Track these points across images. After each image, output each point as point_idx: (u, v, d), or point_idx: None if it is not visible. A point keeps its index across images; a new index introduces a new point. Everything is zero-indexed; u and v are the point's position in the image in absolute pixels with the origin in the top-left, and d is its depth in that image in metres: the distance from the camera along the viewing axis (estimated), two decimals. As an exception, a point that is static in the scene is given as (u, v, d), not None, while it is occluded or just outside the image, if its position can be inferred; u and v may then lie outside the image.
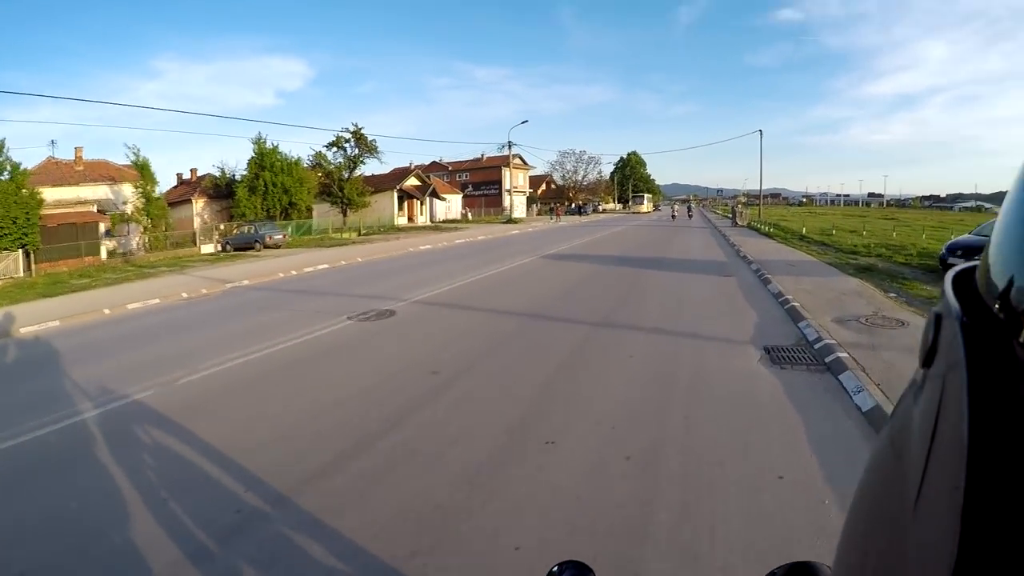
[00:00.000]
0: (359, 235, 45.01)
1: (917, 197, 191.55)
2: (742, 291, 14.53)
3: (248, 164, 45.17)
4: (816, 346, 9.04)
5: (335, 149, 51.09)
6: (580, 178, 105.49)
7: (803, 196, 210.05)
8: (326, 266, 23.09)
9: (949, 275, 0.52)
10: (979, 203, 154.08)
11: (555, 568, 1.30)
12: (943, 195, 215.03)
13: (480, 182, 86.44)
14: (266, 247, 32.97)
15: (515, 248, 28.39)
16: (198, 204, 46.54)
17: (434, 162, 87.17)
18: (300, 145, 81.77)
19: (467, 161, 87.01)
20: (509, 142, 62.53)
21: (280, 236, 34.72)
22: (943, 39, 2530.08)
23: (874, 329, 9.73)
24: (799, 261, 20.03)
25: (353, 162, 51.82)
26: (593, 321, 11.28)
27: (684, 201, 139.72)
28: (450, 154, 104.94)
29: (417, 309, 13.07)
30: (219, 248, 34.95)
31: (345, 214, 50.59)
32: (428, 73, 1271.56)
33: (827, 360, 8.26)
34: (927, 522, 0.42)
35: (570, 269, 19.50)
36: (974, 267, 0.50)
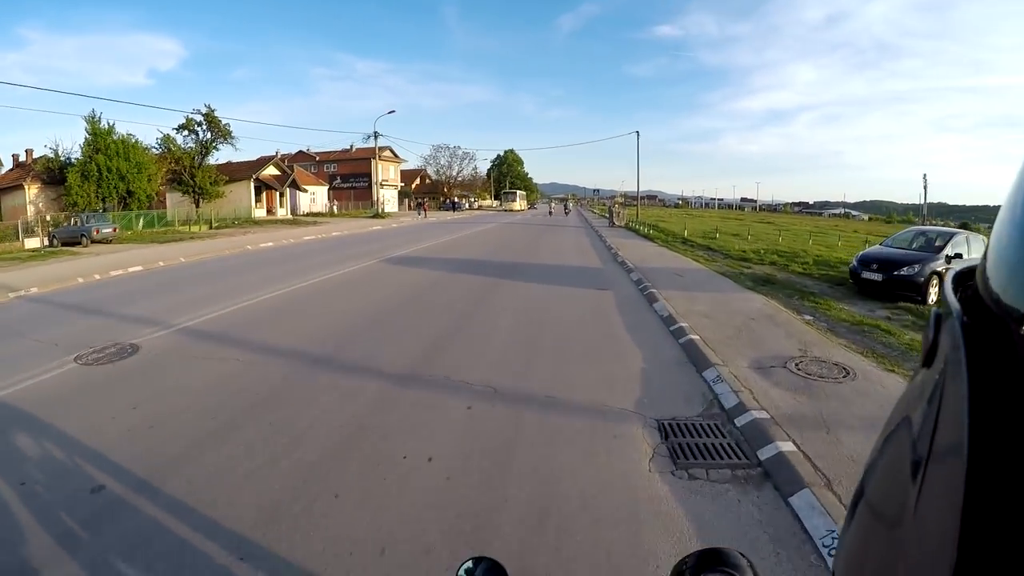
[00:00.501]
0: (210, 228, 39.96)
1: (788, 203, 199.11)
2: (621, 312, 11.28)
3: (83, 146, 39.54)
4: (738, 420, 5.80)
5: (186, 133, 45.83)
6: (455, 173, 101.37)
7: (679, 199, 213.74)
8: (139, 268, 18.67)
9: (949, 275, 0.52)
10: (846, 211, 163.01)
11: (468, 564, 1.26)
12: (811, 202, 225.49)
13: (349, 174, 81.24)
14: (94, 241, 28.60)
15: (365, 247, 24.44)
16: (31, 191, 40.57)
17: (300, 152, 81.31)
18: (157, 130, 73.51)
19: (336, 152, 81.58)
20: (375, 132, 57.81)
21: (109, 229, 30.12)
22: (812, 63, 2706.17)
23: (811, 384, 6.72)
24: (686, 269, 17.11)
25: (205, 147, 46.78)
26: (397, 369, 7.54)
27: (563, 200, 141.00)
28: (319, 143, 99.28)
29: (173, 343, 9.00)
30: (46, 242, 29.64)
31: (197, 205, 45.44)
32: (306, 62, 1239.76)
33: (762, 456, 5.03)
34: (927, 522, 0.43)
35: (410, 277, 15.69)
36: (973, 267, 0.50)
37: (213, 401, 6.39)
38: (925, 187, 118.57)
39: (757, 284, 14.39)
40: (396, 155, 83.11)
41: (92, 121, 39.31)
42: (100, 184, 38.68)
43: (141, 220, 38.72)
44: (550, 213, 74.08)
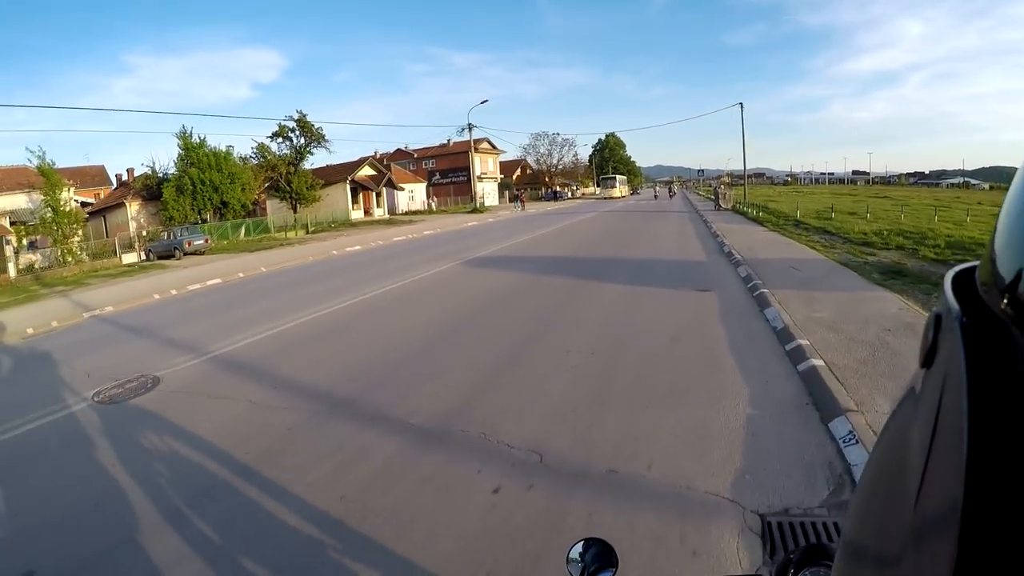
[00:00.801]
0: (307, 232, 40.40)
1: (902, 174, 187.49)
2: (725, 322, 9.36)
3: (176, 161, 40.54)
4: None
5: (279, 139, 46.49)
6: (555, 161, 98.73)
7: (787, 175, 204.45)
8: (218, 280, 18.76)
9: (949, 274, 0.52)
10: (965, 179, 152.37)
11: (579, 544, 1.39)
12: (927, 171, 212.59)
13: (447, 169, 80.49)
14: (187, 254, 29.49)
15: (451, 247, 23.40)
16: (132, 207, 41.65)
17: (399, 150, 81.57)
18: (251, 139, 75.66)
19: (433, 148, 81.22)
20: (469, 124, 56.43)
21: (201, 241, 31.00)
22: (919, 16, 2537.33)
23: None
24: (802, 260, 14.86)
25: (299, 153, 47.09)
26: (425, 420, 6.12)
27: (667, 183, 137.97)
28: (418, 140, 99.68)
29: (195, 376, 8.24)
30: (143, 257, 31.01)
31: (295, 210, 45.85)
32: (405, 59, 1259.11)
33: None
34: (927, 522, 0.43)
35: (484, 283, 14.25)
36: (974, 267, 0.50)
37: (192, 466, 5.24)
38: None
39: (886, 277, 12.19)
40: (494, 146, 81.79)
41: (184, 136, 39.88)
42: (195, 197, 39.15)
43: (242, 229, 39.10)
44: (655, 197, 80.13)
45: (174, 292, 16.58)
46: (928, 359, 0.49)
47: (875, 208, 35.23)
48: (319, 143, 47.35)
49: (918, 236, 19.46)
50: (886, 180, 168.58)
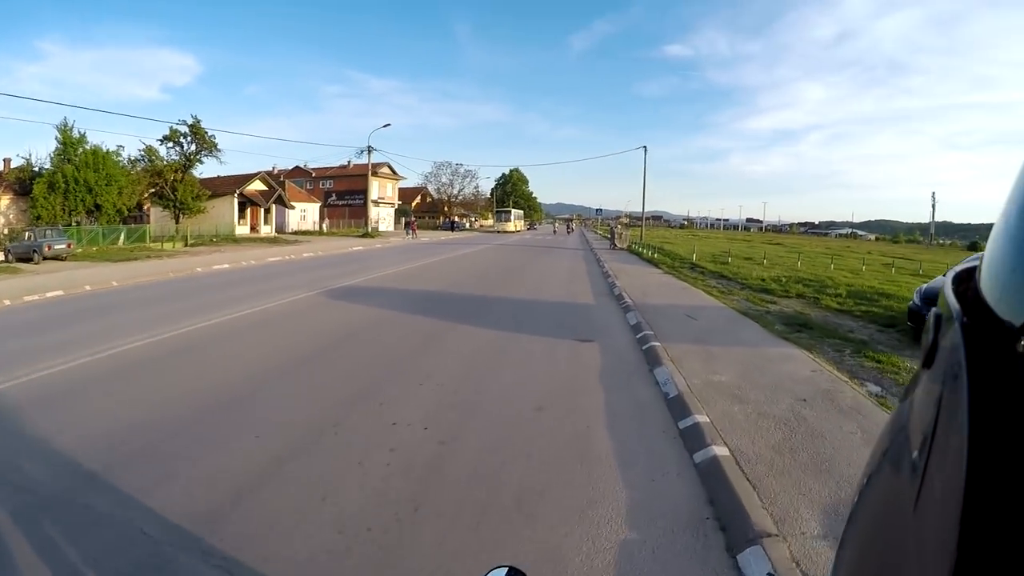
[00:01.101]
0: (185, 245, 37.09)
1: (794, 223, 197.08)
2: (606, 384, 7.66)
3: (52, 156, 36.74)
4: None
5: (170, 144, 42.81)
6: (455, 192, 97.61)
7: (684, 219, 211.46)
8: (60, 293, 15.66)
9: (949, 274, 0.53)
10: (853, 230, 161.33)
11: (490, 573, 1.30)
12: (817, 222, 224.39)
13: (345, 191, 78.18)
14: (46, 258, 26.44)
15: (324, 272, 21.09)
16: (3, 201, 37.50)
17: (297, 167, 78.97)
18: (140, 140, 70.56)
19: (333, 168, 78.41)
20: (369, 146, 53.93)
21: (63, 245, 27.62)
22: (821, 82, 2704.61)
23: None
24: (699, 307, 13.55)
25: (189, 160, 43.69)
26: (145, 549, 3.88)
27: (567, 220, 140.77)
28: (319, 159, 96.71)
29: None
30: (0, 257, 27.58)
31: (177, 220, 42.48)
32: (320, 79, 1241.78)
33: None
34: (927, 522, 0.43)
35: (337, 318, 12.12)
36: (974, 267, 0.50)
37: None
38: (934, 205, 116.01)
39: (791, 330, 10.93)
40: (395, 172, 79.97)
41: (64, 130, 36.41)
42: (67, 196, 35.60)
43: (121, 236, 35.90)
44: (554, 232, 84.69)
45: (7, 302, 13.73)
46: (928, 359, 0.49)
47: (770, 254, 35.14)
48: (211, 151, 44.09)
49: (817, 284, 18.78)
50: (778, 228, 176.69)
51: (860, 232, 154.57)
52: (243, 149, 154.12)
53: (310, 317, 12.01)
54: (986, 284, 0.44)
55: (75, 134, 36.79)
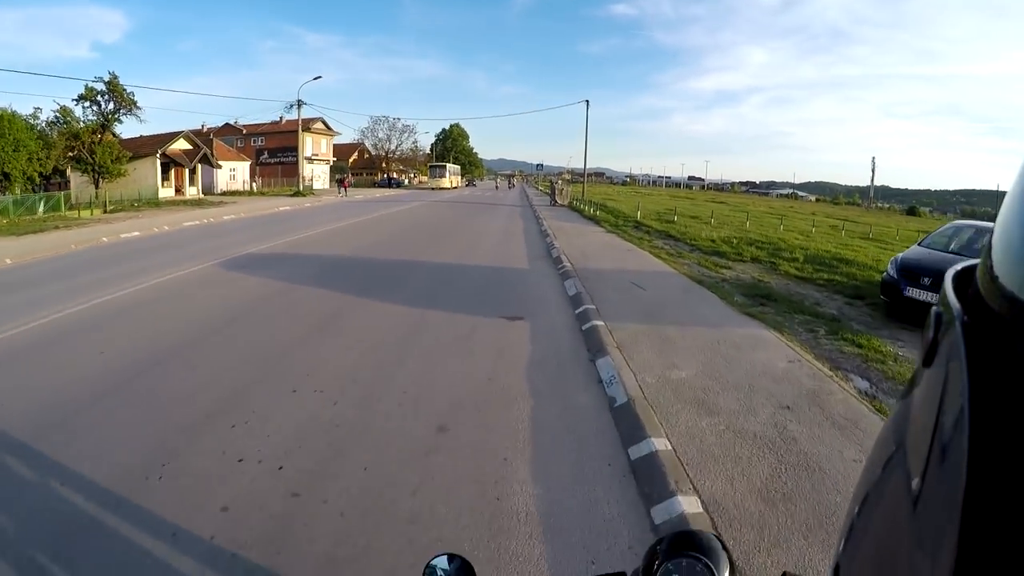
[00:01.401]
0: (104, 212, 33.67)
1: (735, 183, 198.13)
2: (534, 391, 5.91)
3: None
4: None
5: (86, 104, 38.97)
6: (393, 147, 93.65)
7: (627, 176, 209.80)
8: None
9: (949, 273, 0.52)
10: (793, 191, 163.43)
11: (433, 560, 1.24)
12: (758, 182, 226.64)
13: (277, 148, 74.09)
14: None
15: (238, 236, 18.78)
16: None
17: (227, 124, 73.76)
18: (53, 100, 64.30)
19: (264, 124, 74.02)
20: (299, 100, 50.58)
21: None
22: (765, 47, 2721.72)
23: None
24: (646, 273, 12.06)
25: (107, 120, 39.82)
26: None
27: (508, 176, 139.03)
28: (251, 115, 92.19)
29: None
30: None
31: (97, 185, 38.86)
32: (254, 34, 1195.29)
33: None
34: (927, 522, 0.43)
35: (238, 293, 10.22)
36: (974, 265, 0.49)
37: None
38: (873, 170, 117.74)
39: (753, 302, 9.54)
40: (329, 128, 76.16)
41: None
42: None
43: (40, 205, 32.75)
44: (496, 187, 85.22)
45: None
46: (928, 358, 0.49)
47: (717, 213, 34.07)
48: (130, 110, 40.49)
49: (770, 246, 17.44)
50: (720, 187, 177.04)
51: (801, 193, 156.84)
52: (172, 107, 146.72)
53: (192, 297, 9.88)
54: (998, 278, 0.42)
55: None
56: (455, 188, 77.57)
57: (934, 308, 0.50)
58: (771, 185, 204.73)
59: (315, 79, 54.03)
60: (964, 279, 0.49)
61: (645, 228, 22.34)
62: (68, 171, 41.29)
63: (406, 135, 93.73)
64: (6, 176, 34.04)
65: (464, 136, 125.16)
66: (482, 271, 12.37)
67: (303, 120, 57.93)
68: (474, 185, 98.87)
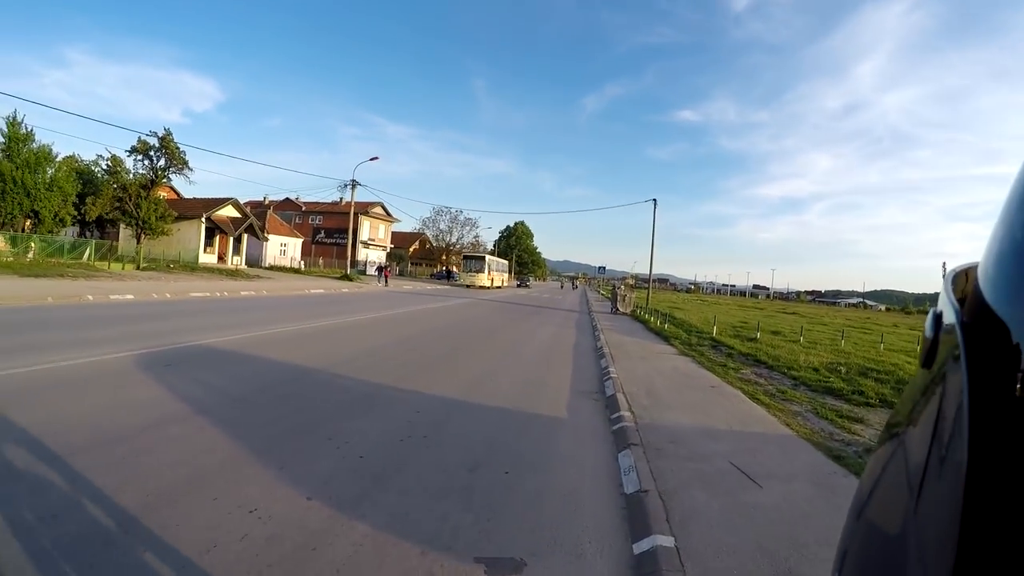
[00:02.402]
0: (137, 268, 32.27)
1: (801, 292, 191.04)
2: None
3: None
4: None
5: (138, 156, 38.43)
6: (453, 240, 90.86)
7: (690, 283, 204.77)
8: None
9: (949, 275, 0.53)
10: (862, 300, 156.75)
11: None
12: (823, 291, 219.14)
13: (334, 228, 73.81)
14: None
15: (235, 318, 15.36)
16: None
17: (287, 199, 74.19)
18: (105, 148, 63.59)
19: (324, 204, 72.98)
20: (353, 181, 48.04)
21: None
22: (828, 152, 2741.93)
23: None
24: (748, 436, 7.68)
25: (156, 175, 39.22)
26: None
27: (572, 278, 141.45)
28: (310, 191, 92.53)
29: None
30: None
31: (138, 240, 38.22)
32: (338, 119, 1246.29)
33: None
34: (927, 522, 0.43)
35: (110, 407, 6.10)
36: (973, 267, 0.49)
37: None
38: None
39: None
40: (389, 214, 75.25)
41: (11, 123, 31.65)
42: (3, 198, 30.98)
43: (64, 247, 31.36)
44: (561, 287, 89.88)
45: None
46: (928, 359, 0.49)
47: (795, 326, 29.11)
48: (181, 169, 39.49)
49: (890, 377, 12.61)
50: (785, 296, 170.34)
51: (869, 302, 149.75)
52: (242, 177, 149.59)
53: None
54: (985, 284, 0.43)
55: (23, 130, 32.02)
56: (498, 288, 66.28)
57: (933, 310, 0.50)
58: (837, 294, 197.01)
59: (371, 160, 51.85)
60: (964, 280, 0.49)
61: (724, 347, 17.76)
62: (121, 224, 40.47)
63: (468, 228, 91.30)
64: (35, 214, 32.74)
65: (528, 235, 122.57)
66: (489, 420, 7.87)
67: (361, 203, 56.38)
68: (528, 286, 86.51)
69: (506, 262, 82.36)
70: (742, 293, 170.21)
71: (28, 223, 33.17)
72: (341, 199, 68.49)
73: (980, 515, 0.34)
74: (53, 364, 8.38)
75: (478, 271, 61.11)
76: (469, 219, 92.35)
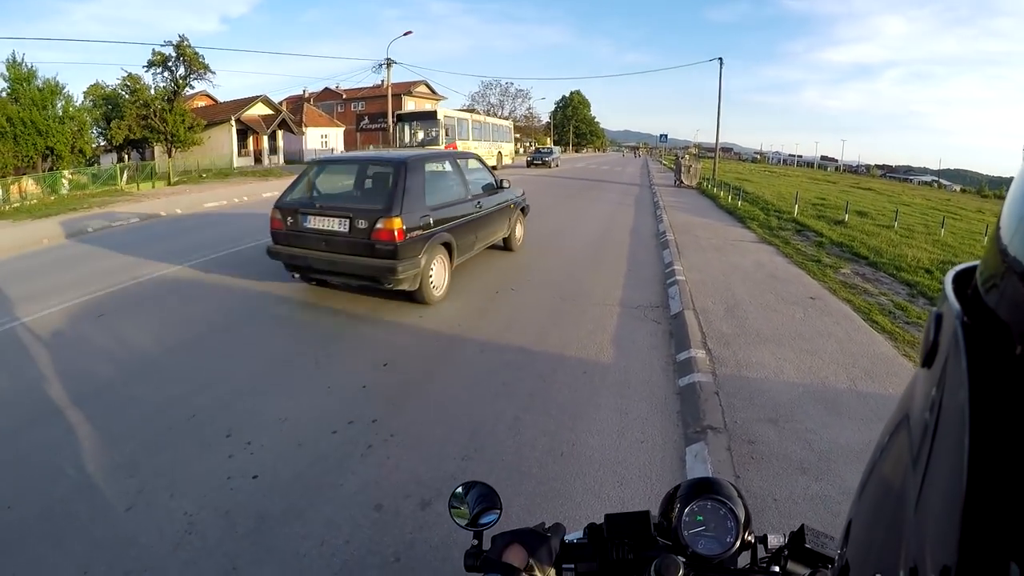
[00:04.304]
0: (168, 184, 30.72)
1: (871, 165, 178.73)
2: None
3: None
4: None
5: (156, 70, 36.04)
6: (506, 114, 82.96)
7: (756, 153, 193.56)
8: None
9: (949, 274, 0.50)
10: (936, 179, 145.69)
11: (459, 489, 1.27)
12: (893, 166, 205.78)
13: (377, 113, 67.66)
14: None
15: (221, 231, 13.93)
16: None
17: (327, 89, 69.05)
18: (120, 68, 59.25)
19: (365, 88, 68.15)
20: (388, 60, 43.11)
21: None
22: (902, 15, 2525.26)
23: None
24: (886, 398, 4.66)
25: (178, 86, 36.78)
26: None
27: (634, 147, 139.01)
28: (352, 77, 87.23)
29: None
30: None
31: (170, 154, 36.06)
32: (377, 4, 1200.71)
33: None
34: (928, 523, 0.42)
35: None
36: (975, 266, 0.48)
37: None
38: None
39: None
40: (434, 92, 69.71)
41: (11, 66, 29.47)
42: (17, 141, 29.07)
43: (120, 172, 29.99)
44: (623, 156, 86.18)
45: None
46: (928, 359, 0.47)
47: (879, 206, 25.30)
48: (202, 75, 37.03)
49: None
50: (854, 169, 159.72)
51: (944, 181, 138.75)
52: (284, 74, 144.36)
53: None
54: (993, 277, 0.41)
55: (24, 69, 29.98)
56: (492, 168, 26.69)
57: (934, 309, 0.48)
58: (908, 170, 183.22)
59: (405, 35, 47.22)
60: (964, 279, 0.47)
61: (809, 232, 14.57)
62: (152, 141, 38.27)
63: (520, 100, 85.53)
64: (51, 151, 30.81)
65: (585, 104, 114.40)
66: (482, 382, 5.39)
67: (403, 84, 51.94)
68: (548, 163, 45.53)
69: (505, 123, 48.20)
70: (809, 164, 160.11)
71: (44, 162, 31.04)
72: (383, 82, 64.18)
73: (981, 517, 0.34)
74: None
75: (428, 142, 31.19)
76: (520, 91, 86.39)
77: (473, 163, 9.59)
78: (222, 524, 3.29)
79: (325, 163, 8.55)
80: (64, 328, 6.61)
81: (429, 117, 33.00)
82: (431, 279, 7.27)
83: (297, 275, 7.67)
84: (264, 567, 2.99)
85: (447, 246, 7.61)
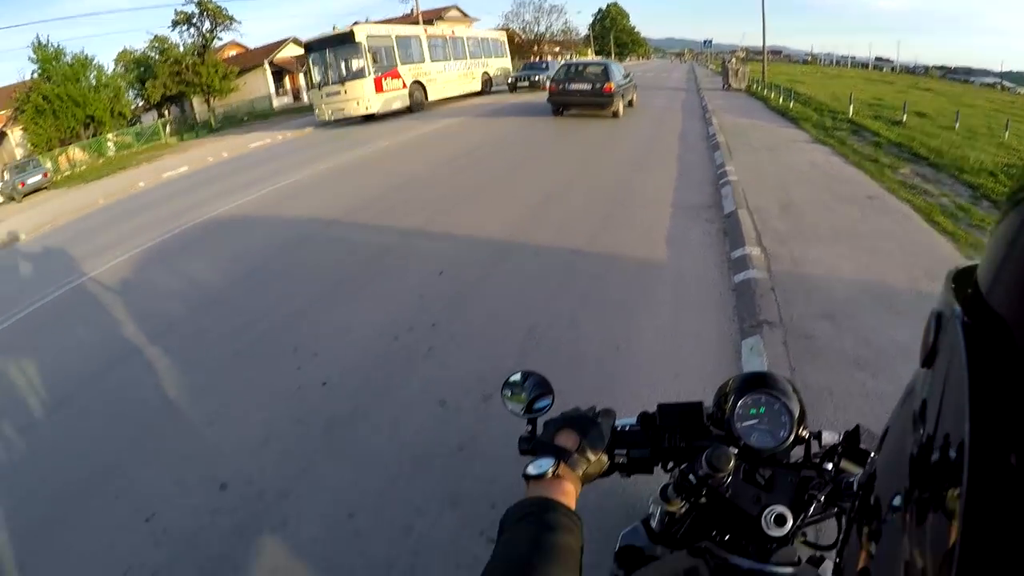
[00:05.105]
0: (211, 131, 32.49)
1: (929, 66, 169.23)
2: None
3: (33, 79, 31.30)
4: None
5: (182, 28, 37.05)
6: (542, 30, 79.00)
7: (807, 55, 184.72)
8: None
9: (949, 274, 0.50)
10: (997, 80, 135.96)
11: (517, 375, 1.26)
12: (952, 67, 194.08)
13: None
14: (27, 195, 21.73)
15: (258, 172, 14.71)
16: (15, 133, 32.36)
17: (356, 23, 66.69)
18: (146, 32, 59.19)
19: (395, 19, 66.09)
20: None
21: (38, 177, 22.93)
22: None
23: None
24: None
25: (206, 39, 37.75)
26: None
27: (679, 54, 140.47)
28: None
29: None
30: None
31: (209, 105, 37.75)
32: None
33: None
34: (929, 524, 0.42)
35: None
36: (975, 266, 0.47)
37: None
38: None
39: None
40: (465, 14, 67.48)
41: (38, 48, 30.43)
42: (57, 116, 30.43)
43: (131, 139, 31.70)
44: (670, 61, 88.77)
45: None
46: (928, 359, 0.47)
47: (936, 107, 23.97)
48: (227, 25, 38.01)
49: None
50: (911, 70, 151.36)
51: (1009, 84, 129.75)
52: (320, 14, 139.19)
53: None
54: (986, 284, 0.41)
55: (51, 49, 30.95)
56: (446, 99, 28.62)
57: (934, 309, 0.48)
58: (969, 71, 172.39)
59: None
60: (964, 279, 0.46)
61: (864, 132, 13.93)
62: (189, 95, 39.41)
63: (555, 16, 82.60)
64: (91, 119, 31.90)
65: (623, 15, 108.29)
66: (536, 276, 5.34)
67: (433, 10, 51.10)
68: (538, 83, 28.17)
69: (492, 35, 39.15)
70: (863, 65, 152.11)
71: (87, 130, 31.95)
72: (412, 10, 60.88)
73: (981, 517, 0.33)
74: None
75: (350, 78, 22.95)
76: (555, 6, 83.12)
77: (618, 67, 18.16)
78: (297, 430, 3.45)
79: (568, 65, 18.58)
80: (136, 272, 6.97)
81: (346, 42, 22.81)
82: (621, 109, 16.73)
83: (562, 109, 17.62)
84: (338, 461, 3.13)
85: (624, 96, 17.19)
